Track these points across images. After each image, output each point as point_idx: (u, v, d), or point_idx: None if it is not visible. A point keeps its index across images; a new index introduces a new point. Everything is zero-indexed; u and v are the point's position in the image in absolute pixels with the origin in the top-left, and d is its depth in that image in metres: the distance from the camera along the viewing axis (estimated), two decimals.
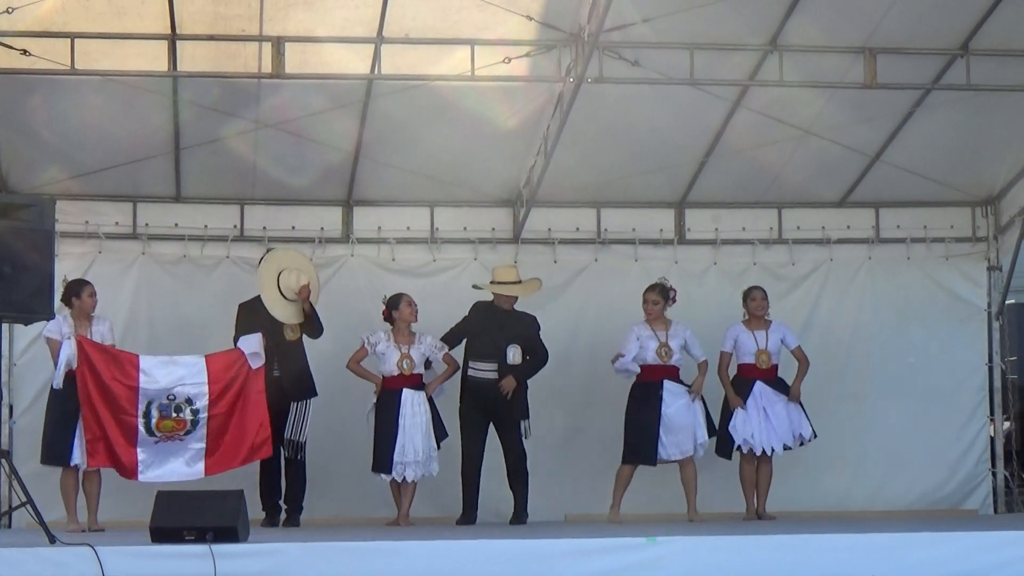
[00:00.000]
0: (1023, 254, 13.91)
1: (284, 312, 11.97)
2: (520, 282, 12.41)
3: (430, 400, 11.99)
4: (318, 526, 11.83)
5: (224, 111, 11.95)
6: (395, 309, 12.01)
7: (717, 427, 12.33)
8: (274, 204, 13.31)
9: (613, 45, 11.35)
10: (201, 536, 8.64)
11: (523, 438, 12.18)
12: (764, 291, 12.59)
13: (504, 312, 12.28)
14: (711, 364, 12.45)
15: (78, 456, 11.01)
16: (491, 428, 12.22)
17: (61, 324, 11.19)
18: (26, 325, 11.03)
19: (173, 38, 11.16)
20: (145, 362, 11.21)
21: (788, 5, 11.29)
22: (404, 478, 11.81)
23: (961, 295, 13.92)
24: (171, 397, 11.10)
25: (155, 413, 11.05)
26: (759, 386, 12.32)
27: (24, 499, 9.27)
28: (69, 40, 10.93)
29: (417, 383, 11.95)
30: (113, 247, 13.05)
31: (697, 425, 12.17)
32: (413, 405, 11.86)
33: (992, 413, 13.87)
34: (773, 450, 12.29)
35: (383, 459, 11.80)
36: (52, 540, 8.79)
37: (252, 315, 11.97)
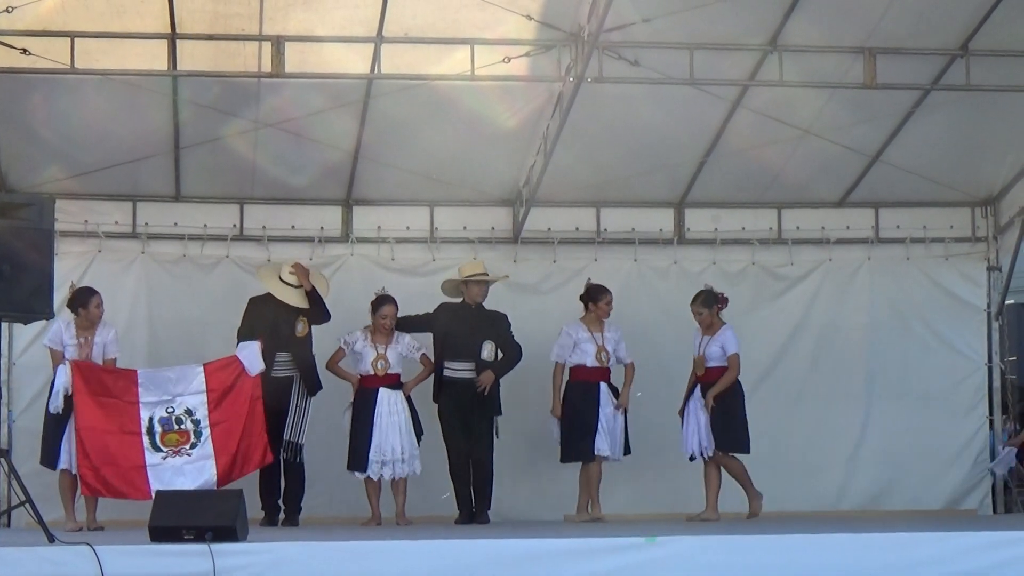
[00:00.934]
0: (1023, 254, 13.92)
1: (296, 298, 11.98)
2: (487, 274, 12.43)
3: (409, 400, 12.00)
4: (317, 525, 11.82)
5: (224, 110, 11.95)
6: (374, 314, 12.02)
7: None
8: (274, 203, 13.31)
9: (613, 45, 11.35)
10: (200, 535, 8.63)
11: (494, 437, 12.19)
12: (706, 298, 12.37)
13: (475, 311, 12.28)
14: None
15: (65, 461, 11.02)
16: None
17: (62, 332, 11.23)
18: (25, 324, 11.05)
19: (173, 37, 11.16)
20: (143, 376, 11.23)
21: (788, 5, 11.29)
22: (381, 476, 11.83)
23: (960, 295, 13.92)
24: (170, 410, 11.11)
25: (158, 427, 11.06)
26: (696, 393, 12.24)
27: (23, 498, 9.27)
28: (69, 39, 10.93)
29: (394, 383, 11.97)
30: (113, 246, 13.06)
31: (617, 436, 12.16)
32: (390, 404, 11.89)
33: (991, 413, 13.87)
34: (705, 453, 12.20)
35: (358, 457, 11.84)
36: (51, 539, 8.78)
37: (262, 309, 12.00)
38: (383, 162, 12.87)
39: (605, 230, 13.68)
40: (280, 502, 11.95)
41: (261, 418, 11.32)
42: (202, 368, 11.31)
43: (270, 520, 11.88)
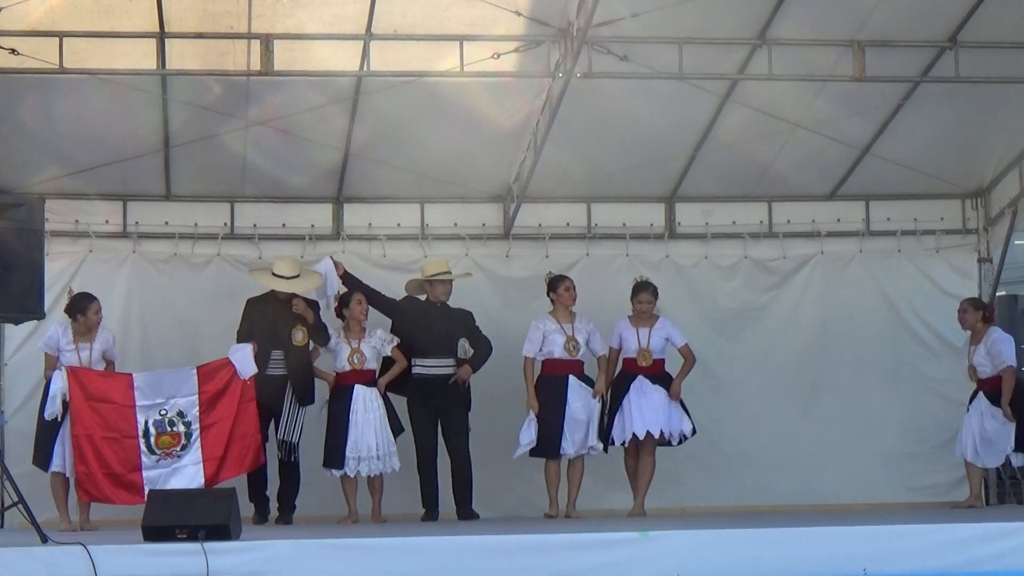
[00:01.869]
0: (1013, 246, 13.93)
1: (296, 286, 12.01)
2: (451, 272, 12.46)
3: (385, 396, 11.99)
4: (309, 523, 11.83)
5: (213, 109, 11.93)
6: (346, 307, 12.03)
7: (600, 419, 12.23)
8: (264, 202, 13.30)
9: (602, 40, 11.34)
10: (193, 534, 8.64)
11: (468, 431, 12.21)
12: (654, 289, 12.40)
13: (442, 309, 12.28)
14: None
15: (58, 463, 11.02)
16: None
17: (58, 337, 11.22)
18: (16, 324, 11.05)
19: (162, 36, 11.15)
20: (139, 380, 11.23)
21: None
22: (358, 473, 11.84)
23: (951, 287, 13.91)
24: (163, 412, 11.11)
25: (152, 430, 11.07)
26: (638, 380, 12.18)
27: (16, 499, 9.27)
28: (57, 39, 10.92)
29: (369, 379, 11.96)
30: (103, 246, 13.05)
31: (592, 425, 12.10)
32: (365, 401, 11.87)
33: None
34: (649, 435, 12.09)
35: (334, 455, 11.82)
36: (44, 539, 8.78)
37: (261, 308, 12.01)
38: (374, 159, 12.86)
39: (596, 225, 13.69)
40: (270, 496, 11.92)
41: (254, 421, 11.32)
42: (195, 371, 11.30)
43: (261, 517, 11.87)
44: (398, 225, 13.48)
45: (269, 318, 11.93)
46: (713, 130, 12.80)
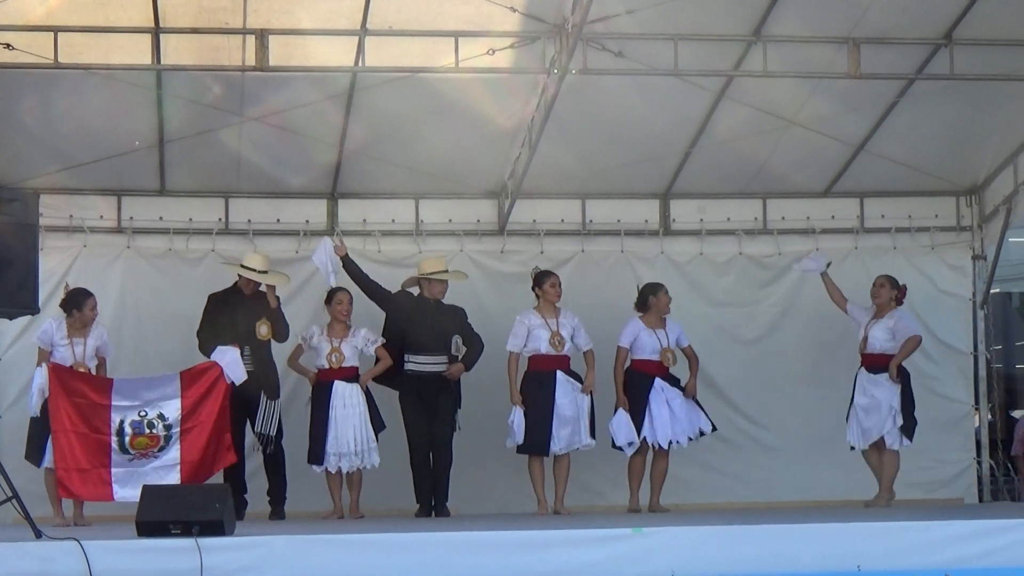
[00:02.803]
0: (1007, 243, 13.94)
1: (269, 279, 12.06)
2: (447, 270, 12.44)
3: (368, 392, 11.99)
4: (303, 519, 11.83)
5: (208, 104, 11.93)
6: (328, 304, 12.03)
7: (612, 421, 12.23)
8: (259, 197, 13.30)
9: (597, 36, 11.34)
10: (187, 530, 8.63)
11: (454, 430, 12.20)
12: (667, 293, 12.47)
13: (435, 305, 12.27)
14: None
15: (50, 459, 11.00)
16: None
17: (53, 332, 11.20)
18: (10, 320, 11.03)
19: (156, 31, 11.14)
20: (119, 383, 11.20)
21: None
22: (340, 469, 11.86)
23: (946, 284, 13.96)
24: (142, 414, 11.05)
25: (128, 430, 10.99)
26: (658, 382, 12.24)
27: (10, 494, 9.26)
28: (52, 34, 10.91)
29: (350, 376, 11.97)
30: (98, 241, 13.05)
31: (582, 422, 12.09)
32: (345, 397, 11.89)
33: (977, 402, 13.91)
34: (674, 443, 12.21)
35: (316, 451, 11.86)
36: (38, 535, 8.78)
37: (222, 306, 12.02)
38: (369, 155, 12.86)
39: (591, 222, 13.70)
40: (244, 497, 11.89)
41: (226, 420, 11.27)
42: (179, 376, 11.27)
43: (238, 515, 11.84)
44: (393, 221, 13.48)
45: (231, 314, 11.90)
46: (708, 127, 12.80)
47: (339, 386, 11.91)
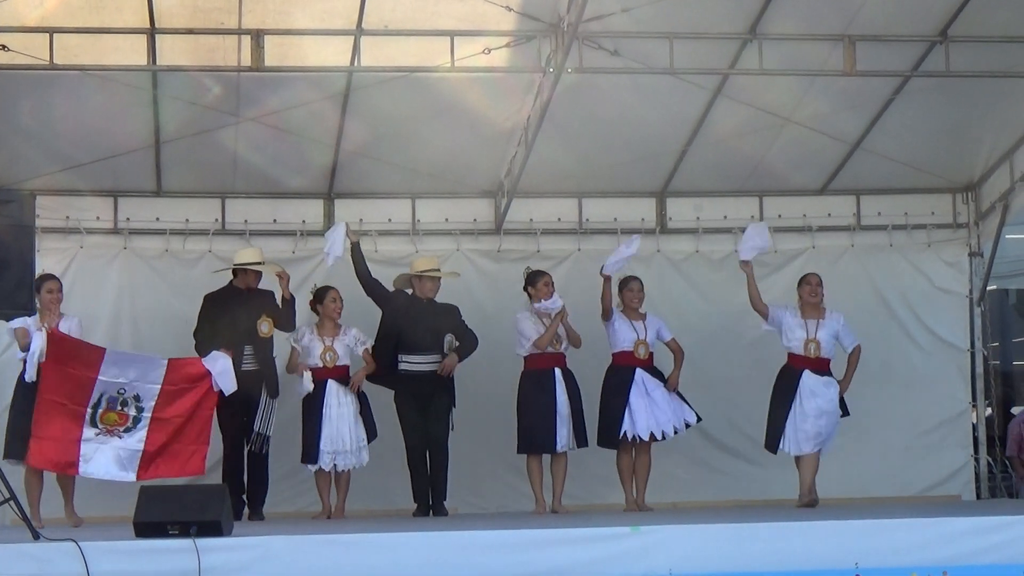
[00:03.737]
0: (1004, 240, 13.94)
1: (266, 268, 12.07)
2: (439, 270, 12.43)
3: (363, 397, 11.99)
4: (290, 520, 11.84)
5: (204, 104, 11.93)
6: (320, 303, 12.02)
7: (598, 418, 12.20)
8: (255, 197, 13.31)
9: (592, 35, 11.35)
10: (185, 530, 8.62)
11: (449, 429, 12.19)
12: (640, 282, 12.42)
13: (428, 305, 12.23)
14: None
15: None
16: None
17: (27, 319, 11.13)
18: (7, 321, 11.02)
19: (152, 32, 11.14)
20: (110, 356, 11.16)
21: None
22: (335, 467, 11.85)
23: (942, 281, 13.97)
24: (121, 391, 11.04)
25: (103, 404, 11.00)
26: (639, 373, 12.21)
27: (7, 495, 9.25)
28: (48, 35, 10.91)
29: (343, 375, 11.96)
30: (94, 242, 13.06)
31: (577, 420, 12.11)
32: (338, 396, 11.88)
33: (974, 399, 13.92)
34: (654, 437, 12.15)
35: (310, 450, 11.84)
36: (36, 536, 8.76)
37: (220, 305, 11.97)
38: (365, 155, 12.87)
39: (587, 220, 13.71)
40: (243, 497, 11.89)
41: (206, 429, 11.22)
42: (166, 362, 11.26)
43: (235, 515, 11.83)
44: (389, 221, 13.49)
45: (231, 313, 11.86)
46: (704, 125, 12.81)
47: (332, 385, 11.90)
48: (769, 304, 12.28)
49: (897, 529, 9.09)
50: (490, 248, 13.54)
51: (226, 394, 11.26)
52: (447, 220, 13.55)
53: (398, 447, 12.16)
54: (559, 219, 13.69)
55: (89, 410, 10.96)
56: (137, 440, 11.05)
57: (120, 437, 11.01)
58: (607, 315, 12.13)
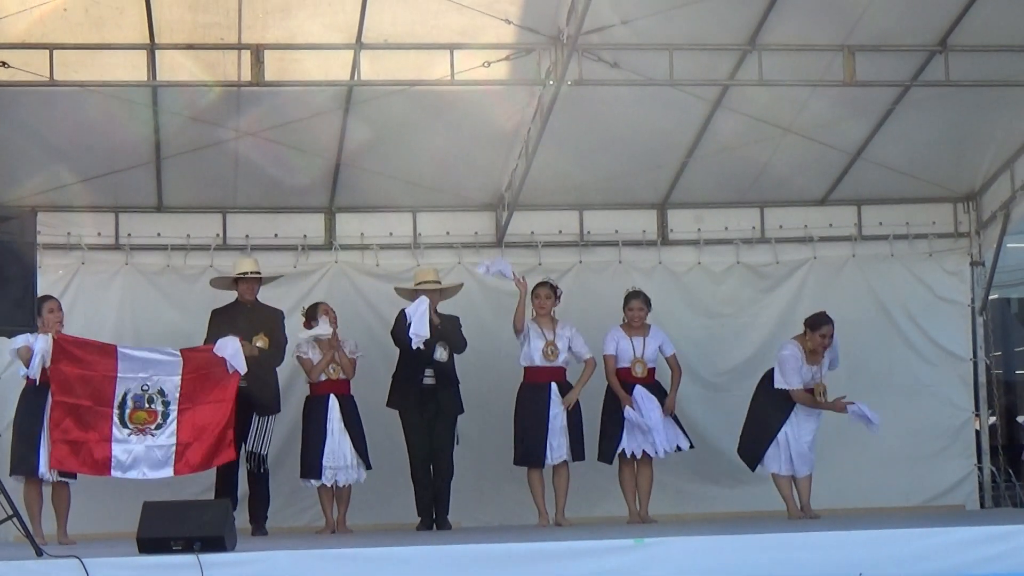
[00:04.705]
0: (1005, 249, 13.93)
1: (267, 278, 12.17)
2: (440, 282, 12.40)
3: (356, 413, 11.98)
4: (290, 535, 11.83)
5: (204, 120, 11.93)
6: (314, 320, 12.00)
7: (599, 432, 12.19)
8: (256, 212, 13.30)
9: (592, 47, 11.35)
10: (188, 546, 8.63)
11: (455, 443, 12.20)
12: (642, 300, 12.41)
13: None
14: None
15: (44, 468, 10.95)
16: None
17: (28, 336, 11.12)
18: (9, 338, 11.01)
19: (152, 48, 11.14)
20: (123, 351, 11.16)
21: (766, 4, 11.31)
22: (336, 483, 11.83)
23: (944, 291, 13.96)
24: (145, 388, 11.05)
25: (130, 403, 10.99)
26: (639, 391, 12.19)
27: (10, 512, 9.25)
28: (48, 51, 10.91)
29: (344, 389, 11.97)
30: (96, 258, 13.05)
31: (563, 437, 12.06)
32: (343, 411, 11.89)
33: (977, 408, 13.90)
34: (657, 454, 12.16)
35: (312, 465, 11.81)
36: (39, 553, 8.76)
37: (226, 319, 11.97)
38: (366, 169, 12.87)
39: (588, 232, 13.70)
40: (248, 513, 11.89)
41: (228, 416, 11.20)
42: (180, 352, 11.25)
43: None
44: (390, 234, 13.49)
45: (235, 328, 11.79)
46: (704, 136, 12.81)
47: (335, 400, 11.89)
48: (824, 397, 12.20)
49: (901, 539, 9.09)
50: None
51: (239, 371, 11.21)
52: (448, 233, 13.54)
53: (401, 460, 12.14)
54: (560, 231, 13.69)
55: (116, 410, 10.96)
56: (169, 435, 11.05)
57: (152, 435, 11.02)
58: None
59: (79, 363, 10.95)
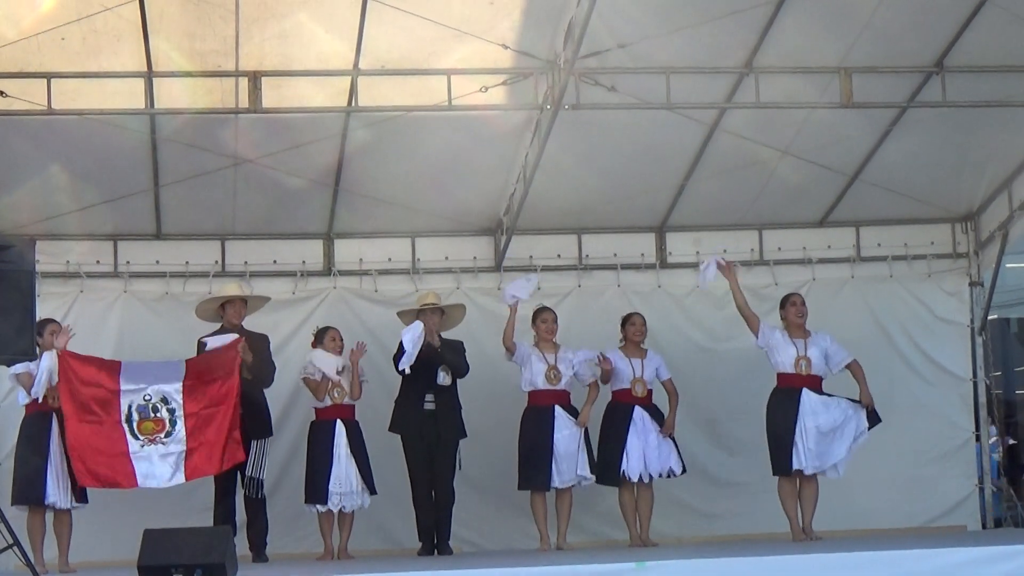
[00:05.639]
0: (1004, 269, 13.94)
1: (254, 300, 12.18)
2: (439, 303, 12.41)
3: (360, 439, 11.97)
4: (290, 561, 11.80)
5: (202, 147, 11.94)
6: (320, 344, 12.00)
7: (596, 454, 12.17)
8: (255, 239, 13.30)
9: (589, 71, 11.37)
10: (189, 573, 8.63)
11: (456, 468, 12.18)
12: (643, 317, 12.46)
13: (427, 346, 12.14)
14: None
15: (52, 495, 10.95)
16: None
17: (29, 364, 11.12)
18: (8, 367, 11.02)
19: (149, 75, 11.16)
20: (126, 366, 11.24)
21: (762, 27, 11.33)
22: (342, 509, 11.81)
23: (943, 311, 13.96)
24: (147, 397, 11.09)
25: (136, 415, 11.05)
26: (637, 412, 12.20)
27: (10, 541, 9.23)
28: (45, 80, 10.94)
29: (350, 413, 11.98)
30: (95, 286, 13.04)
31: (580, 456, 12.05)
32: (349, 436, 11.87)
33: (977, 428, 13.89)
34: (652, 477, 12.16)
35: (317, 490, 11.79)
36: None
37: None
38: (363, 194, 12.87)
39: (587, 256, 13.71)
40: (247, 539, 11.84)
41: (234, 416, 11.23)
42: (183, 362, 11.34)
43: None
44: (389, 260, 13.49)
45: None
46: (702, 159, 12.83)
47: (341, 425, 11.88)
48: (761, 320, 12.23)
49: (903, 560, 9.07)
50: (491, 286, 13.49)
51: (240, 356, 11.31)
52: (447, 258, 13.54)
53: (403, 485, 12.13)
54: (559, 255, 13.69)
55: (125, 425, 10.99)
56: (178, 441, 11.10)
57: (164, 443, 11.07)
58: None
59: (84, 380, 10.99)
